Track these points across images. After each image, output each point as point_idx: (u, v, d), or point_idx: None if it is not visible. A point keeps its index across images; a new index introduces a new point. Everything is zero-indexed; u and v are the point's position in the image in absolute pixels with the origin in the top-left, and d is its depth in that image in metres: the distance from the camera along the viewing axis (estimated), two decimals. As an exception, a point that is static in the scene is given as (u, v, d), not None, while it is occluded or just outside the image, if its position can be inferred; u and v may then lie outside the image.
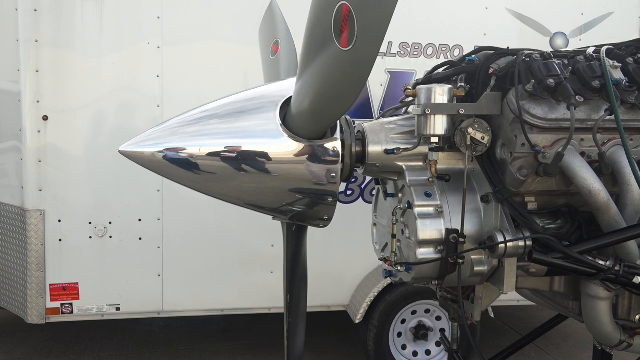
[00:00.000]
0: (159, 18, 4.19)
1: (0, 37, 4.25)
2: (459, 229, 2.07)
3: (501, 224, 2.06)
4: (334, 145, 2.00)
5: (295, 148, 1.97)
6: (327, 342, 5.31)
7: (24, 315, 4.33)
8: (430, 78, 2.27)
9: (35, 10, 4.04)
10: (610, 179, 2.04)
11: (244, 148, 1.98)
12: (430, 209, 2.11)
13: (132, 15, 4.17)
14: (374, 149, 2.18)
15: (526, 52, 2.10)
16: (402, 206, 2.17)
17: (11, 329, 4.31)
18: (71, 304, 4.32)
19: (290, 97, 1.99)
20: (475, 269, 2.12)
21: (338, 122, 2.04)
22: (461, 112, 2.04)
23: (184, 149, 2.05)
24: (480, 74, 2.12)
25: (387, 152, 2.17)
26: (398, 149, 2.16)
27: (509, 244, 1.99)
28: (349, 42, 1.53)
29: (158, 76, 4.22)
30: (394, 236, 2.21)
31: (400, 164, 2.20)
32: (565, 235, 2.08)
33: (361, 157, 2.19)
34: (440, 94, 2.05)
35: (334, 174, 2.00)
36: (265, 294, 4.50)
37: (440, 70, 2.31)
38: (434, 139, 2.07)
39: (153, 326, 5.53)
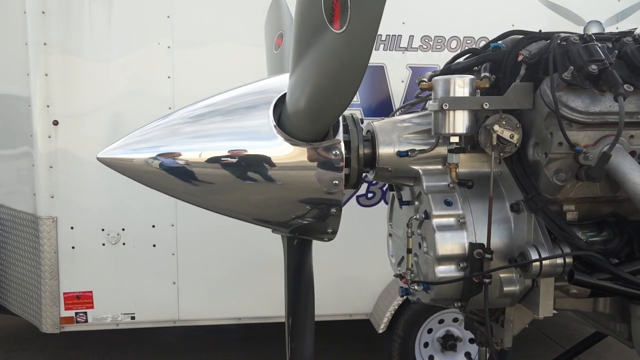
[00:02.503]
0: (168, 17, 4.03)
1: (10, 41, 4.16)
2: (485, 243, 1.81)
3: (535, 237, 1.79)
4: (336, 147, 1.76)
5: (290, 152, 1.74)
6: (350, 351, 5.10)
7: (38, 324, 4.24)
8: (450, 68, 2.02)
9: (43, 13, 3.93)
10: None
11: (237, 152, 1.75)
12: (451, 220, 1.86)
13: (141, 15, 4.03)
14: (385, 150, 1.94)
15: (562, 35, 1.81)
16: (418, 216, 1.92)
17: (32, 336, 4.26)
18: (85, 313, 4.21)
19: (285, 93, 1.74)
20: (505, 289, 1.86)
21: (341, 120, 1.80)
22: (485, 107, 1.78)
23: (179, 154, 1.84)
24: (507, 62, 1.85)
25: (400, 154, 1.92)
26: (413, 150, 1.91)
27: (544, 262, 1.72)
28: (342, 23, 1.29)
29: (169, 77, 4.07)
30: (409, 251, 1.97)
31: (415, 167, 1.96)
32: (613, 251, 1.79)
33: (371, 161, 1.95)
34: (461, 85, 1.79)
35: (337, 181, 1.75)
36: (283, 302, 4.30)
37: (461, 59, 2.06)
38: (454, 139, 1.82)
39: (171, 335, 5.40)
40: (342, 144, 1.75)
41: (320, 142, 1.74)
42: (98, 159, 1.84)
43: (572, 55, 1.71)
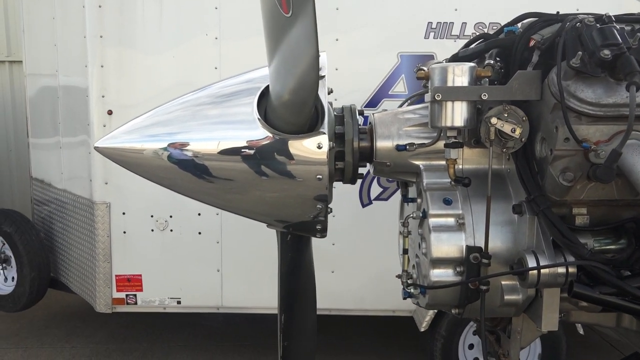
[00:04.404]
0: (216, 8, 4.09)
1: (71, 34, 4.40)
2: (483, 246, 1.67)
3: (537, 243, 1.62)
4: (319, 140, 1.66)
5: (265, 139, 1.66)
6: (394, 348, 4.99)
7: (93, 303, 4.48)
8: (457, 56, 1.87)
9: (100, 7, 4.10)
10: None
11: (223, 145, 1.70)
12: (450, 220, 1.71)
13: (191, 7, 4.11)
14: (383, 144, 1.82)
15: (580, 16, 1.62)
16: (414, 215, 1.81)
17: (93, 314, 4.53)
18: (135, 295, 4.40)
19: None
20: (506, 297, 1.70)
21: (328, 111, 1.71)
22: (484, 97, 1.61)
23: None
24: (517, 48, 1.67)
25: (398, 148, 1.79)
26: (412, 144, 1.78)
27: (543, 271, 1.56)
28: (288, 7, 1.26)
29: (216, 68, 4.12)
30: (405, 251, 1.86)
31: (417, 162, 1.83)
32: (626, 261, 1.60)
33: (368, 154, 1.84)
34: (458, 74, 1.63)
35: (320, 175, 1.67)
36: (325, 294, 4.21)
37: (473, 45, 1.90)
38: (451, 132, 1.69)
39: (218, 322, 5.53)
40: (326, 136, 1.67)
41: (302, 135, 1.66)
42: (96, 148, 1.84)
43: (585, 40, 1.52)
